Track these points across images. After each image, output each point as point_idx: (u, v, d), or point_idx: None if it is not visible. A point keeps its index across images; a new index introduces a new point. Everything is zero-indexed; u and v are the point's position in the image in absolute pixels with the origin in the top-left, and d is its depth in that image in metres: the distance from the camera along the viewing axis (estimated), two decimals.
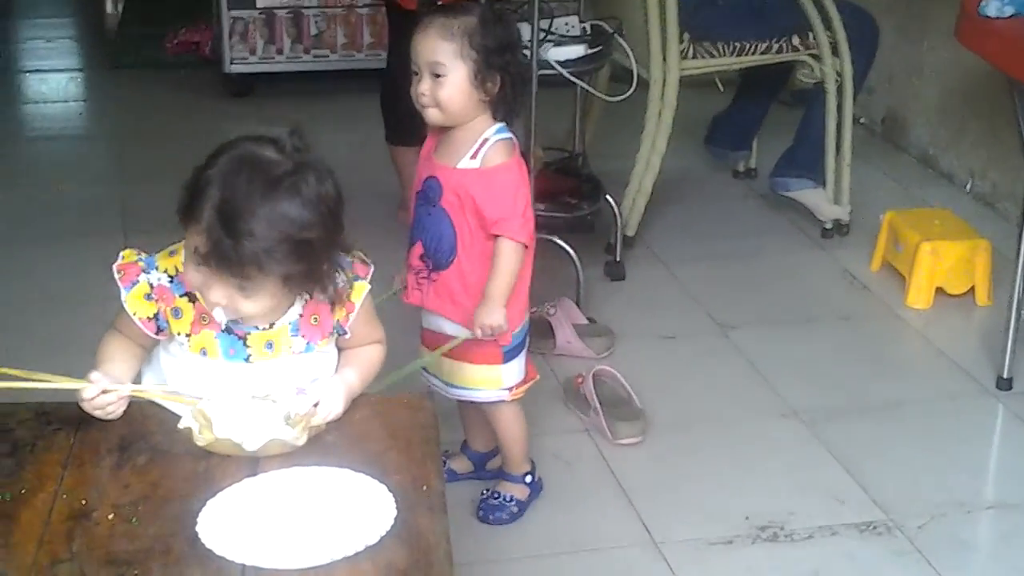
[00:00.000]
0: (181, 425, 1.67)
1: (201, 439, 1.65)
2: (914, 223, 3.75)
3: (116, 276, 1.85)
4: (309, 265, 1.74)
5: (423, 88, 2.41)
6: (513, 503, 2.72)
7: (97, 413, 1.73)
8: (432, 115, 2.44)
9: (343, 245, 1.82)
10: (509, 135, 2.49)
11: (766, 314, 3.62)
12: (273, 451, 1.65)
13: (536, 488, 2.76)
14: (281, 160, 1.71)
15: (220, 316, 1.80)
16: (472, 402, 2.68)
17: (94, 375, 1.74)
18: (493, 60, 2.40)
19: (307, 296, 1.82)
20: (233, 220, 1.66)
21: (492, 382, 2.61)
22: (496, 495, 2.73)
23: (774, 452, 2.98)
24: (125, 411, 1.76)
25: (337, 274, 1.83)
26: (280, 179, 1.69)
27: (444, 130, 2.50)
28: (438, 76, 2.39)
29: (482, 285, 2.49)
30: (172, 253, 1.85)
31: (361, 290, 1.89)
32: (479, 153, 2.45)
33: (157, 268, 1.84)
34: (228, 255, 1.67)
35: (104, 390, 1.72)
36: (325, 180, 1.73)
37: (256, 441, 1.64)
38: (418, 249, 2.55)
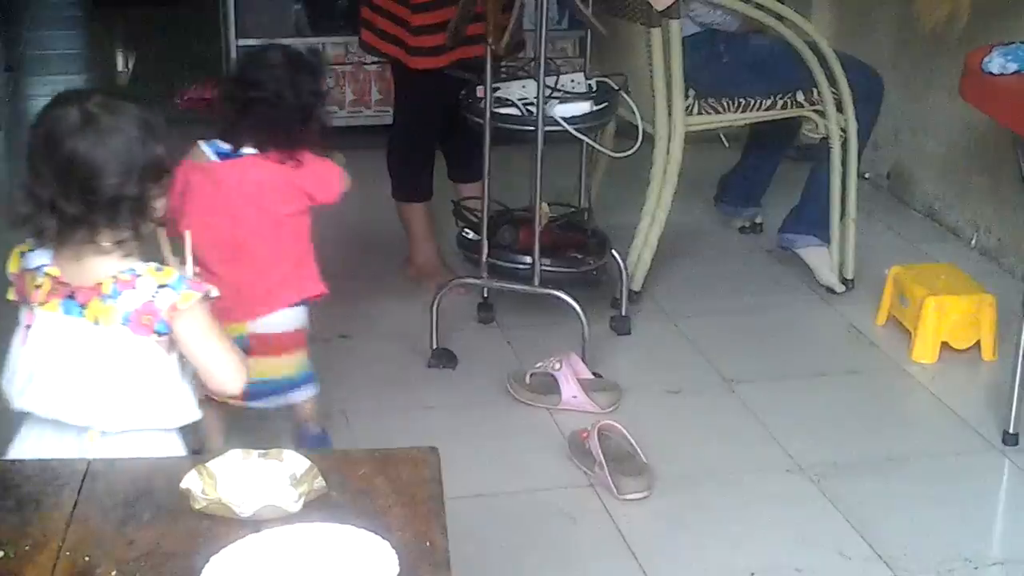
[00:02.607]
0: (183, 485, 1.67)
1: (199, 501, 1.66)
2: (919, 278, 3.76)
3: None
4: None
5: None
6: None
7: None
8: None
9: None
10: None
11: (772, 369, 3.63)
12: (267, 516, 1.65)
13: None
14: None
15: None
16: None
17: None
18: None
19: None
20: None
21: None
22: None
23: (780, 507, 2.98)
24: (129, 468, 1.77)
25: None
26: None
27: None
28: None
29: None
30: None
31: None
32: None
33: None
34: None
35: None
36: None
37: (251, 506, 1.65)
38: None
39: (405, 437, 3.06)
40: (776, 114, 3.97)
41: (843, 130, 3.93)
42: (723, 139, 4.68)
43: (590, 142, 3.61)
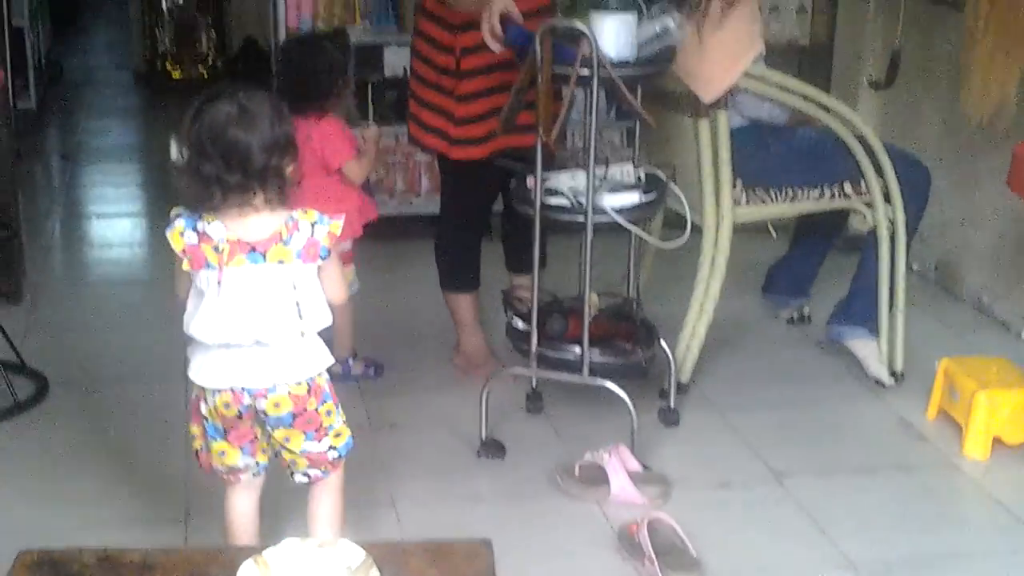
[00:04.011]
0: (240, 574, 1.68)
1: None
2: (970, 371, 3.73)
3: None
4: None
5: None
6: None
7: None
8: None
9: None
10: None
11: (822, 463, 3.59)
12: None
13: None
14: None
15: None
16: None
17: None
18: None
19: None
20: None
21: None
22: None
23: None
24: (186, 558, 1.78)
25: None
26: None
27: None
28: None
29: None
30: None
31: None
32: None
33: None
34: None
35: None
36: None
37: None
38: None
39: (454, 528, 3.06)
40: (824, 205, 3.97)
41: (891, 221, 3.93)
42: (771, 229, 4.69)
43: (640, 232, 3.62)
